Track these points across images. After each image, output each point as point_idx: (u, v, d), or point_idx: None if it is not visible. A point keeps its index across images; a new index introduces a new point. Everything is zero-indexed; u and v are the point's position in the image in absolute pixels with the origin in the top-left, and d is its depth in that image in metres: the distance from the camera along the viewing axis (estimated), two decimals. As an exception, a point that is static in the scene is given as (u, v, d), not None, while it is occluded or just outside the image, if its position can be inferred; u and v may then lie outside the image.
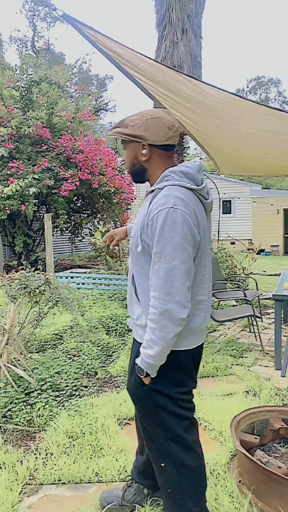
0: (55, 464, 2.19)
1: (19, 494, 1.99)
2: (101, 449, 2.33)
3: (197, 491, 1.56)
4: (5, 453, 2.30)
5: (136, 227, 1.52)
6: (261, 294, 6.40)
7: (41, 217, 8.70)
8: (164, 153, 1.52)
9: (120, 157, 12.43)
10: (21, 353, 3.18)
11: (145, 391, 1.50)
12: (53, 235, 8.45)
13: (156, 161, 1.52)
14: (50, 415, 2.70)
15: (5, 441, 2.47)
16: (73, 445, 2.36)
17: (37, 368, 3.22)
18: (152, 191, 1.49)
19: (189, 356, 1.51)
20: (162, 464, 1.53)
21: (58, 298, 3.69)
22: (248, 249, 12.45)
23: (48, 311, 3.89)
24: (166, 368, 1.45)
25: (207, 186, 1.54)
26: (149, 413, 1.53)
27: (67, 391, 3.06)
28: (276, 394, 3.06)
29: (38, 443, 2.44)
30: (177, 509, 1.54)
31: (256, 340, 4.52)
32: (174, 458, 1.51)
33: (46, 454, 2.30)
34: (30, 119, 8.23)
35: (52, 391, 3.01)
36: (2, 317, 3.26)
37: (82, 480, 2.09)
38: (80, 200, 10.08)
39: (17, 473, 2.12)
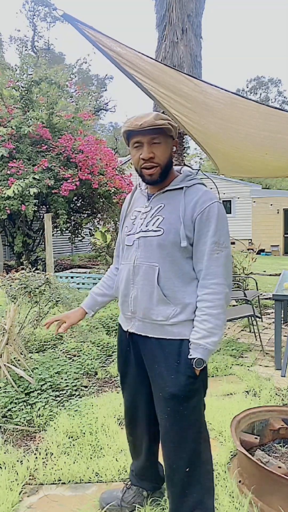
0: (55, 464, 2.19)
1: (19, 494, 1.98)
2: (101, 449, 2.33)
3: (211, 483, 1.58)
4: (5, 453, 2.30)
5: (169, 223, 1.50)
6: (261, 294, 6.40)
7: (41, 217, 8.71)
8: None
9: (120, 157, 12.41)
10: (21, 353, 3.18)
11: (198, 384, 1.50)
12: (53, 235, 8.45)
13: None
14: (50, 415, 2.70)
15: (5, 441, 2.46)
16: (73, 445, 2.36)
17: (37, 368, 3.22)
18: (179, 188, 1.55)
19: None
20: (187, 469, 1.51)
21: (58, 298, 3.69)
22: (248, 249, 12.45)
23: (48, 311, 3.89)
24: None
25: None
26: (193, 410, 1.51)
27: (67, 391, 3.06)
28: (276, 394, 3.06)
29: (38, 443, 2.44)
30: (192, 507, 1.52)
31: (256, 340, 4.52)
32: (201, 455, 1.53)
33: (46, 454, 2.30)
34: (30, 119, 8.24)
35: (52, 391, 3.01)
36: (2, 317, 3.26)
37: (82, 480, 2.09)
38: (80, 200, 10.08)
39: (17, 473, 2.11)
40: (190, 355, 1.46)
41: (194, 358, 1.45)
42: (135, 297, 1.58)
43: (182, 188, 1.54)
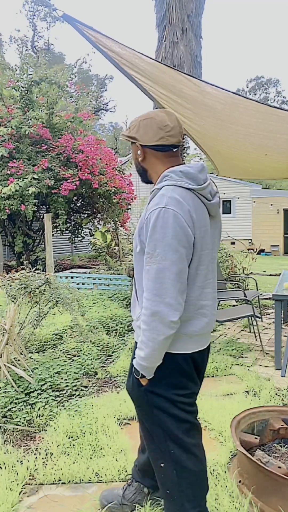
0: (55, 464, 2.19)
1: (19, 494, 1.99)
2: (101, 449, 2.33)
3: (196, 494, 1.54)
4: (5, 453, 2.30)
5: (137, 227, 1.53)
6: (261, 294, 6.40)
7: (41, 217, 8.70)
8: (159, 153, 1.50)
9: (120, 157, 12.43)
10: (21, 353, 3.18)
11: (141, 392, 1.51)
12: (53, 235, 8.45)
13: (152, 161, 1.53)
14: (50, 415, 2.70)
15: (5, 441, 2.47)
16: (73, 445, 2.36)
17: (37, 368, 3.22)
18: (153, 191, 1.48)
19: (188, 359, 1.48)
20: (162, 464, 1.53)
21: (58, 298, 3.69)
22: (248, 249, 12.45)
23: (48, 311, 3.89)
24: (162, 370, 1.44)
25: (212, 188, 1.51)
26: (147, 413, 1.54)
27: (67, 391, 3.06)
28: (276, 394, 3.06)
29: (38, 443, 2.44)
30: (175, 510, 1.53)
31: (256, 340, 4.52)
32: (174, 459, 1.50)
33: (46, 454, 2.30)
34: (30, 119, 8.24)
35: (52, 391, 3.01)
36: (2, 317, 3.26)
37: (82, 480, 2.09)
38: (80, 200, 10.08)
39: (17, 473, 2.12)
40: (134, 360, 1.49)
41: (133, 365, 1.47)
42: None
43: (154, 191, 1.48)
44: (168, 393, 1.47)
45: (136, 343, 1.62)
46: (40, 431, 2.58)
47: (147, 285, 1.37)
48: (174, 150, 1.52)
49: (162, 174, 1.48)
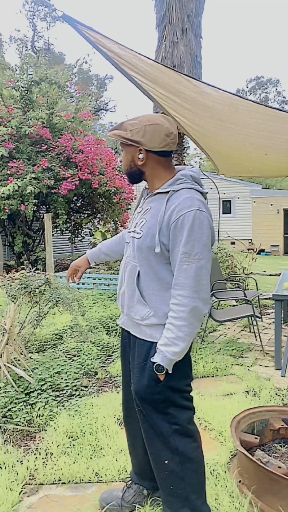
0: (55, 464, 2.19)
1: (19, 494, 1.99)
2: (101, 449, 2.33)
3: (199, 483, 1.59)
4: (5, 453, 2.30)
5: (148, 227, 1.52)
6: (261, 294, 6.40)
7: (41, 217, 8.71)
8: (161, 158, 1.57)
9: (120, 157, 12.42)
10: (21, 353, 3.18)
11: (160, 388, 1.51)
12: (53, 235, 8.46)
13: (153, 165, 1.58)
14: (50, 415, 2.71)
15: (5, 441, 2.47)
16: (73, 445, 2.36)
17: (37, 368, 3.22)
18: (166, 192, 1.52)
19: (190, 348, 1.55)
20: (166, 462, 1.54)
21: (58, 298, 3.69)
22: (248, 249, 12.45)
23: (48, 311, 3.89)
24: (177, 362, 1.48)
25: None
26: (158, 410, 1.54)
27: (67, 391, 3.07)
28: (276, 394, 3.06)
29: (38, 443, 2.45)
30: (181, 504, 1.54)
31: (256, 340, 4.52)
32: (179, 451, 1.53)
33: (46, 454, 2.30)
34: (30, 119, 8.24)
35: (52, 391, 3.01)
36: (2, 317, 3.26)
37: (82, 480, 2.10)
38: (80, 200, 10.09)
39: (17, 473, 2.12)
40: (153, 358, 1.50)
41: (155, 362, 1.48)
42: (123, 293, 1.67)
43: (168, 192, 1.51)
44: (180, 385, 1.54)
45: (136, 341, 1.62)
46: (40, 431, 2.58)
47: (184, 283, 1.43)
48: (172, 155, 1.63)
49: (175, 177, 1.56)
